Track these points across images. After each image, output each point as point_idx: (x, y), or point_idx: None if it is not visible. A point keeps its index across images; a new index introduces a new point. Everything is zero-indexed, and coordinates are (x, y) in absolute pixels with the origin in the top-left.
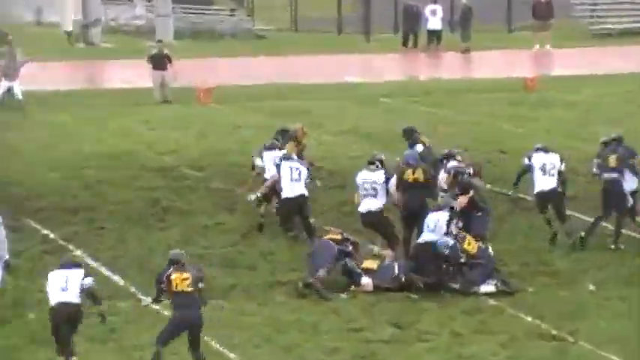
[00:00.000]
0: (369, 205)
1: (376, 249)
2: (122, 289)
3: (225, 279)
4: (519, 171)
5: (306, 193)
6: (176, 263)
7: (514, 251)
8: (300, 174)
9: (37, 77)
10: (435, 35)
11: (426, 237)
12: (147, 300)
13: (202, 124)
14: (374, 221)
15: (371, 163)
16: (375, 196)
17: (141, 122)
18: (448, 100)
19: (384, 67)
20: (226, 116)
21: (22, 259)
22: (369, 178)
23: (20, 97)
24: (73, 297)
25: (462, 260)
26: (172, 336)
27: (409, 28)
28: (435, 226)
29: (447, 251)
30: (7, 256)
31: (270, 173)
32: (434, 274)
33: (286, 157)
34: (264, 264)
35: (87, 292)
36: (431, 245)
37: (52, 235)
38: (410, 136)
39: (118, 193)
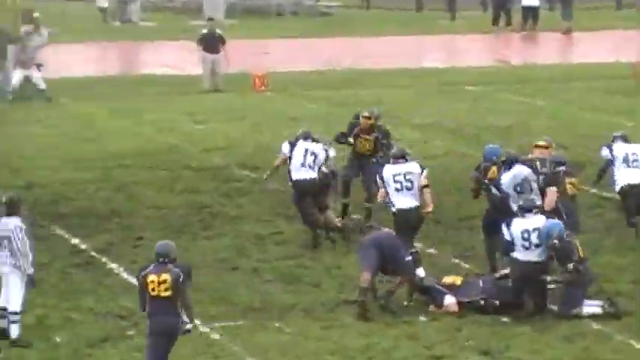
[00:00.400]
0: (408, 202)
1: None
2: None
3: (283, 297)
4: (602, 166)
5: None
6: (164, 257)
7: (623, 266)
8: (315, 159)
9: (65, 61)
10: (531, 12)
11: (531, 256)
12: (187, 324)
13: (256, 115)
14: (417, 223)
15: (400, 157)
16: (411, 190)
17: (185, 114)
18: (545, 89)
19: (471, 49)
20: (284, 106)
21: (48, 273)
22: (402, 170)
23: (42, 86)
24: None
25: (572, 264)
26: (156, 354)
27: (501, 5)
28: (543, 238)
29: (555, 243)
30: (32, 270)
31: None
32: (539, 298)
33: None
34: (328, 280)
35: None
36: (540, 266)
37: (82, 246)
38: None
39: (157, 196)
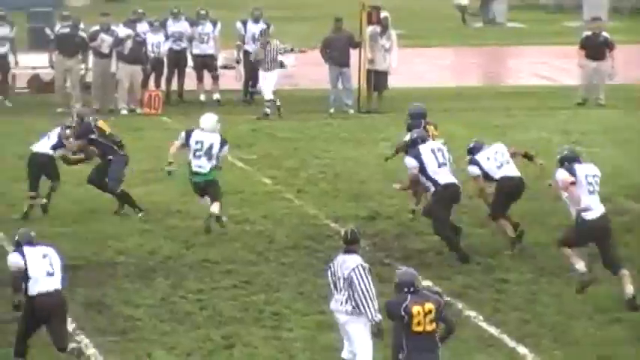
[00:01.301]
0: (601, 206)
1: None
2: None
3: None
4: None
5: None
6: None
7: None
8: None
9: (414, 69)
10: None
11: None
12: None
13: None
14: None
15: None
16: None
17: (558, 133)
18: None
19: None
20: None
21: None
22: (592, 171)
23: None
24: None
25: None
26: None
27: None
28: None
29: None
30: (379, 318)
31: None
32: None
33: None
34: None
35: None
36: None
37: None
38: None
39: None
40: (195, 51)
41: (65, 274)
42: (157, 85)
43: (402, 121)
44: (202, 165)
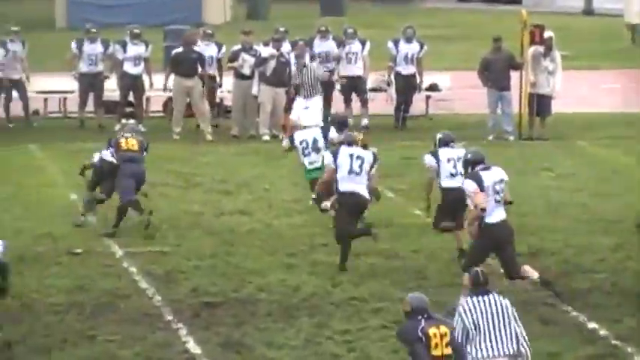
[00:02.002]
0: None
1: None
2: None
3: None
4: None
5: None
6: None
7: None
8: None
9: (581, 93)
10: None
11: None
12: None
13: None
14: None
15: None
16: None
17: None
18: None
19: None
20: None
21: None
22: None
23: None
24: None
25: None
26: None
27: None
28: None
29: None
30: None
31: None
32: None
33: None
34: None
35: None
36: None
37: (602, 332)
38: None
39: None
40: (343, 72)
41: None
42: None
43: (567, 150)
44: (315, 160)
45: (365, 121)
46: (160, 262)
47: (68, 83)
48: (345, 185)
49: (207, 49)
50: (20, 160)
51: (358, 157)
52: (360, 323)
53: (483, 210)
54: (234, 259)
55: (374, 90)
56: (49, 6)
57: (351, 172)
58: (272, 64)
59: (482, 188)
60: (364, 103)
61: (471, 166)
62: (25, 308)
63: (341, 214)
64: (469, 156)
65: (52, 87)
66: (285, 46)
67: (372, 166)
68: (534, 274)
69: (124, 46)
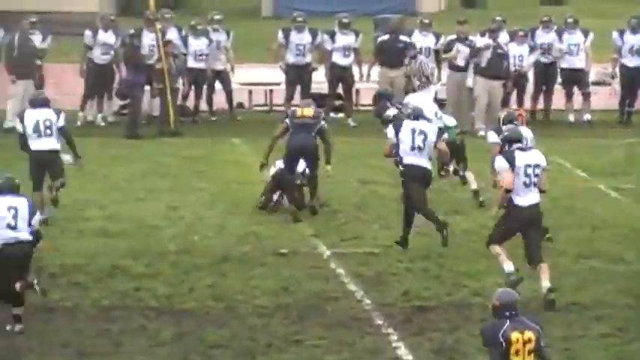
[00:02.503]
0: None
1: None
2: None
3: None
4: None
5: None
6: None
7: None
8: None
9: None
10: None
11: None
12: None
13: None
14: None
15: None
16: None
17: None
18: None
19: None
20: None
21: None
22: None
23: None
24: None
25: None
26: None
27: None
28: None
29: None
30: None
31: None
32: None
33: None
34: None
35: None
36: None
37: None
38: None
39: None
40: (564, 65)
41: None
42: (520, 104)
43: None
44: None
45: (587, 116)
46: (369, 263)
47: (274, 75)
48: (409, 159)
49: (424, 40)
50: (224, 155)
51: (421, 132)
52: (581, 331)
53: (508, 191)
54: (448, 261)
55: (597, 83)
56: None
57: (413, 147)
58: (487, 54)
59: (512, 168)
60: (586, 97)
61: (508, 144)
62: (229, 311)
63: (413, 187)
64: (506, 134)
65: (258, 79)
66: (503, 37)
67: (436, 140)
68: (545, 282)
69: (332, 35)
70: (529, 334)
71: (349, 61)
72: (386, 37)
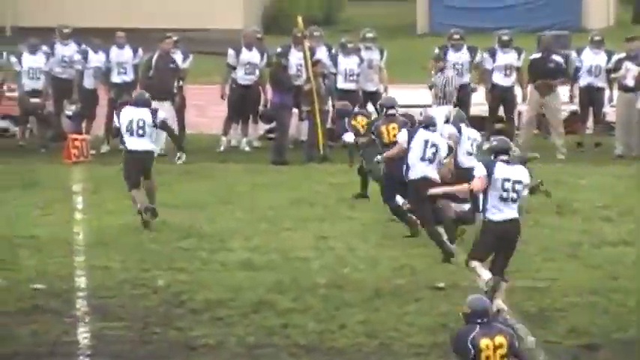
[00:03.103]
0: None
1: None
2: None
3: None
4: None
5: None
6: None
7: None
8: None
9: None
10: None
11: None
12: None
13: None
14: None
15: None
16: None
17: None
18: None
19: None
20: None
21: None
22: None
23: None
24: None
25: None
26: None
27: None
28: None
29: None
30: None
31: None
32: None
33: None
34: None
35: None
36: None
37: None
38: None
39: None
40: None
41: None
42: None
43: None
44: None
45: None
46: (533, 298)
47: (426, 96)
48: (416, 170)
49: (595, 58)
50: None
51: (433, 145)
52: None
53: (471, 192)
54: (618, 295)
55: None
56: (409, 10)
57: (423, 158)
58: None
59: (489, 177)
60: None
61: (494, 154)
62: (383, 349)
63: (417, 201)
64: (494, 143)
65: (411, 100)
66: None
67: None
68: (498, 301)
69: (493, 54)
70: (500, 339)
71: (511, 80)
72: (537, 55)
